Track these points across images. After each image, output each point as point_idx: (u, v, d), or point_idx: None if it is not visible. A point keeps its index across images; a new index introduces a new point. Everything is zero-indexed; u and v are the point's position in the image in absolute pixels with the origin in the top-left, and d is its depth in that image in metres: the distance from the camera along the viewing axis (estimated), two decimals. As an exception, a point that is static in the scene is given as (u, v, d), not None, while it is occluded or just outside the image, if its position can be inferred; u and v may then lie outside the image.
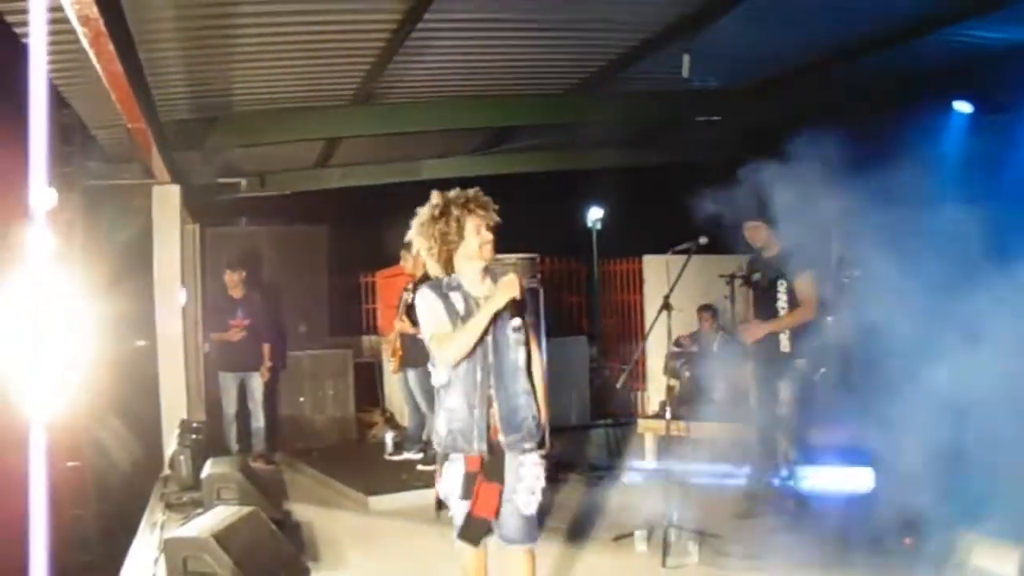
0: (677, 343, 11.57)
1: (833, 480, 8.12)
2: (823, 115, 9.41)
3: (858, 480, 7.97)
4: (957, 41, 9.32)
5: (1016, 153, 9.86)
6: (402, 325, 10.17)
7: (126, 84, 6.21)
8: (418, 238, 4.88)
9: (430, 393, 10.00)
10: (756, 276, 8.09)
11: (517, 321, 4.72)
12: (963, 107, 10.65)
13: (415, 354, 10.23)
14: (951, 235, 8.27)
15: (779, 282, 7.76)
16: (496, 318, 4.66)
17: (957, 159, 10.40)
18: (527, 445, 4.75)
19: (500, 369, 4.72)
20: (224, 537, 5.89)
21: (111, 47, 5.31)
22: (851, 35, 9.25)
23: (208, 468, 7.75)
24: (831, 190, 9.84)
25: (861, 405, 9.23)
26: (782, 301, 7.73)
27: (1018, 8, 8.37)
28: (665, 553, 6.80)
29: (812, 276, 7.71)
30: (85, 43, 5.26)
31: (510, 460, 4.74)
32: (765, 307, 7.91)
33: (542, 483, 4.78)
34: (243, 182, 13.59)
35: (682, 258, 7.48)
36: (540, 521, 5.04)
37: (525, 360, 4.81)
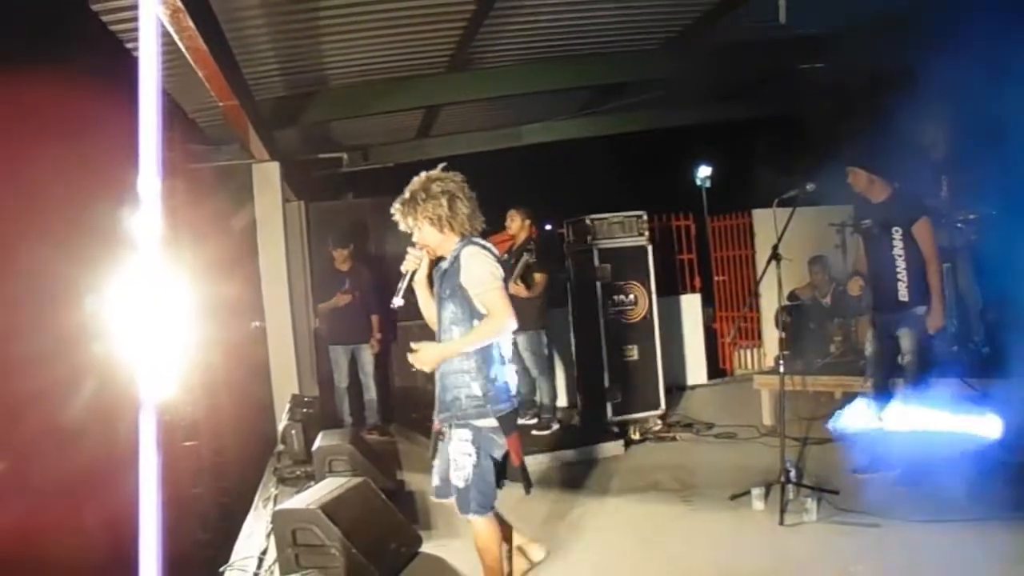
0: (791, 296, 11.35)
1: (959, 424, 7.85)
2: (930, 56, 9.09)
3: (985, 426, 7.70)
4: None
5: None
6: (516, 288, 10.01)
7: (212, 61, 6.21)
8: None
9: (540, 356, 10.01)
10: (866, 223, 7.80)
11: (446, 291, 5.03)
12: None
13: (525, 318, 10.14)
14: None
15: (894, 229, 7.46)
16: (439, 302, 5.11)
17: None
18: (457, 421, 4.99)
19: None
20: (332, 508, 5.90)
21: (190, 23, 5.29)
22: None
23: (319, 441, 7.78)
24: (943, 131, 9.52)
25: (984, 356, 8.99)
26: (898, 248, 7.43)
27: None
28: (783, 511, 6.64)
29: (929, 222, 7.41)
30: (165, 21, 5.25)
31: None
32: (880, 255, 7.62)
33: (472, 458, 4.96)
34: (345, 156, 13.65)
35: (790, 210, 7.29)
36: (472, 498, 5.05)
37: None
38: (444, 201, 4.95)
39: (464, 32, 9.26)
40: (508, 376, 5.02)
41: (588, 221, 10.24)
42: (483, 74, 10.83)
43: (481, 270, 4.89)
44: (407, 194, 5.03)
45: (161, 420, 2.65)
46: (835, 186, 7.86)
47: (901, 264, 7.46)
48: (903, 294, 7.44)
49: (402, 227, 5.11)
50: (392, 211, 5.11)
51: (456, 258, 4.96)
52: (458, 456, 4.96)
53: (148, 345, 2.67)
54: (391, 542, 6.32)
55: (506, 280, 9.90)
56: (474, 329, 4.89)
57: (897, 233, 7.46)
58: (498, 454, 5.05)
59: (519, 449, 5.12)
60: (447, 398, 4.99)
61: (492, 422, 4.93)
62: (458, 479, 4.96)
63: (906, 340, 7.48)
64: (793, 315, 11.13)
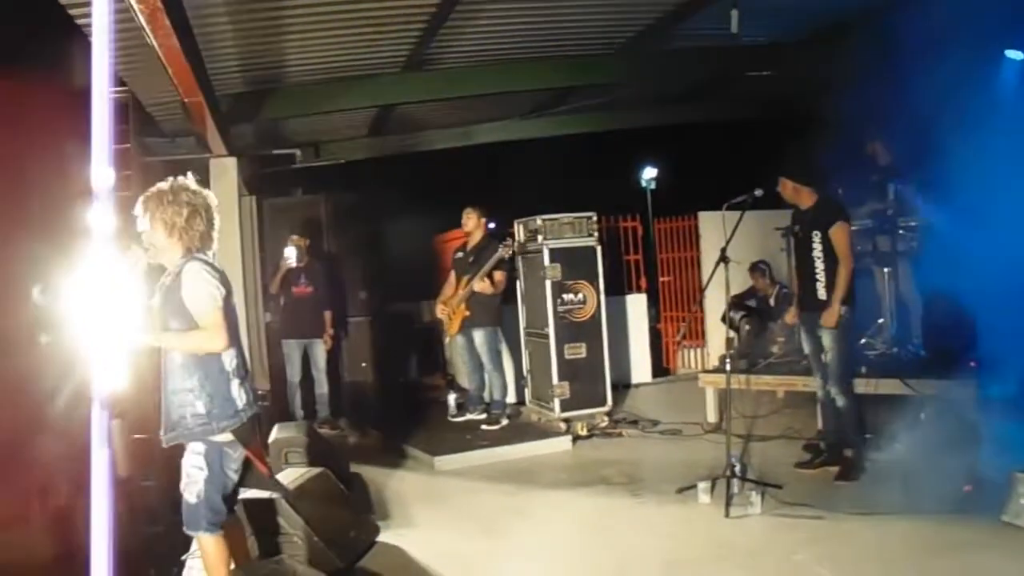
0: (734, 300, 11.64)
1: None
2: (874, 67, 9.37)
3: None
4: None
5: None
6: (483, 285, 10.20)
7: (182, 58, 6.32)
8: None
9: (497, 353, 10.21)
10: (796, 228, 8.15)
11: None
12: (1015, 55, 10.52)
13: (483, 315, 10.36)
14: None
15: (814, 233, 7.81)
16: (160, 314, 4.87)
17: (1010, 107, 10.29)
18: (185, 441, 4.87)
19: (165, 369, 4.88)
20: (295, 497, 6.04)
21: (167, 22, 5.40)
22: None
23: (275, 433, 7.87)
24: (882, 142, 9.83)
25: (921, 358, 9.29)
26: (817, 251, 7.78)
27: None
28: (728, 504, 6.87)
29: (845, 227, 7.77)
30: (142, 19, 5.36)
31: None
32: (803, 258, 7.98)
33: (203, 472, 4.84)
34: (298, 152, 13.72)
35: (738, 213, 7.55)
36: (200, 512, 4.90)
37: (185, 357, 4.82)
38: (185, 211, 4.79)
39: (423, 33, 9.40)
40: (234, 391, 4.90)
41: (539, 221, 10.44)
42: (438, 75, 10.93)
43: (202, 291, 4.75)
44: (155, 189, 4.85)
45: (112, 413, 2.73)
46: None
47: (820, 266, 7.83)
48: (822, 293, 7.80)
49: (138, 224, 4.86)
50: (137, 203, 4.86)
51: (178, 274, 4.81)
52: (191, 470, 4.86)
53: (100, 337, 2.75)
54: (350, 530, 6.48)
55: (471, 275, 10.14)
56: (188, 333, 4.77)
57: (817, 237, 7.81)
58: (234, 469, 5.01)
59: (263, 458, 5.15)
60: (173, 417, 4.85)
61: (226, 436, 4.86)
62: (190, 494, 4.86)
63: (826, 337, 7.80)
64: (748, 317, 11.40)
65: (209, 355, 4.80)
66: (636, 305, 14.09)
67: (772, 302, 11.63)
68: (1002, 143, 9.38)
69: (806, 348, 8.18)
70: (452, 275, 10.89)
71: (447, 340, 11.52)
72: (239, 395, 4.91)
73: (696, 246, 14.90)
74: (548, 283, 10.34)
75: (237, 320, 5.05)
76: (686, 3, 9.45)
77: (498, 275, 10.24)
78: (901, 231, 9.57)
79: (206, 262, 4.85)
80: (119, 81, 8.95)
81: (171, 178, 4.89)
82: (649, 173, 19.28)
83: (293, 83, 10.57)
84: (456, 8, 8.69)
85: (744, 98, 14.24)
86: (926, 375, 8.44)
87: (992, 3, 9.06)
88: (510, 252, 10.17)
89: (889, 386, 8.54)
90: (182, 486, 4.89)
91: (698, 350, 14.74)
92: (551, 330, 10.33)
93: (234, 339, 4.94)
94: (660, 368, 14.55)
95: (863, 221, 9.55)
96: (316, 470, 6.81)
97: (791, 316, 8.33)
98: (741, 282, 11.95)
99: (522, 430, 10.31)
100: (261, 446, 5.19)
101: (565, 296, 10.39)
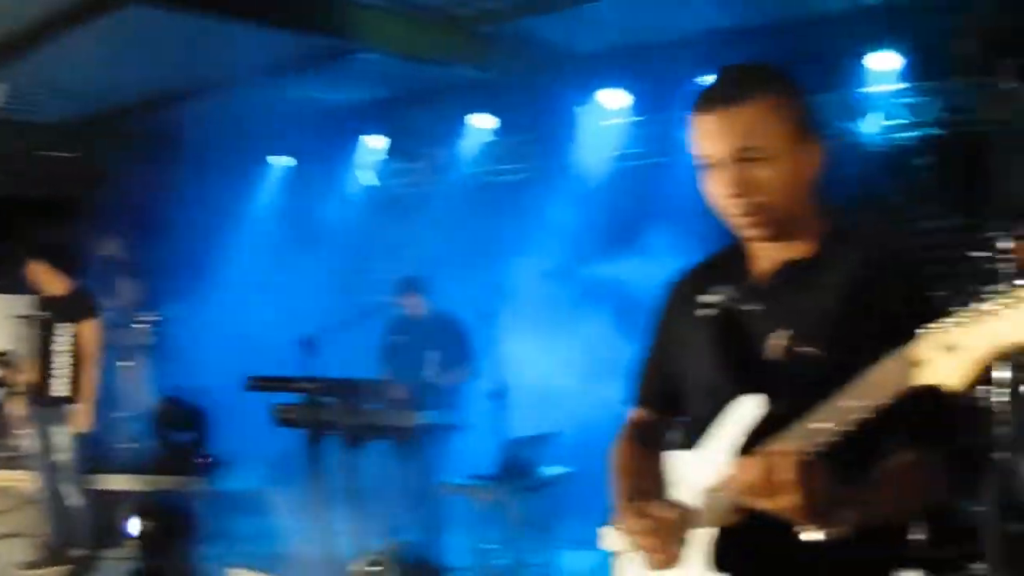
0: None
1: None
2: (139, 160, 9.46)
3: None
4: (287, 96, 9.67)
5: (325, 205, 10.52)
6: None
7: None
8: None
9: None
10: (40, 316, 7.66)
11: None
12: (277, 160, 11.12)
13: None
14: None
15: (61, 325, 7.50)
16: None
17: (273, 211, 10.84)
18: None
19: None
20: None
21: None
22: (179, 80, 9.35)
23: None
24: (122, 236, 9.91)
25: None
26: (61, 343, 7.44)
27: (343, 69, 8.98)
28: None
29: (96, 323, 7.61)
30: None
31: None
32: (43, 349, 7.54)
33: None
34: None
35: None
36: None
37: None
38: None
39: None
40: None
41: None
42: None
43: None
44: None
45: None
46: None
47: (63, 360, 7.50)
48: (60, 389, 7.49)
49: None
50: None
51: None
52: None
53: None
54: None
55: None
56: None
57: (63, 329, 7.51)
58: None
59: None
60: None
61: None
62: None
63: (62, 436, 7.48)
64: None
65: None
66: None
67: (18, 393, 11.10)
68: (253, 242, 9.88)
69: (34, 444, 7.72)
70: None
71: None
72: None
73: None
74: None
75: None
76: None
77: None
78: (139, 325, 9.61)
79: None
80: None
81: None
82: None
83: None
84: None
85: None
86: (161, 471, 8.53)
87: (258, 112, 9.55)
88: None
89: (124, 482, 8.50)
90: None
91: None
92: None
93: None
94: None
95: (103, 313, 9.47)
96: None
97: (19, 407, 7.82)
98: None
99: None
100: None
101: None
